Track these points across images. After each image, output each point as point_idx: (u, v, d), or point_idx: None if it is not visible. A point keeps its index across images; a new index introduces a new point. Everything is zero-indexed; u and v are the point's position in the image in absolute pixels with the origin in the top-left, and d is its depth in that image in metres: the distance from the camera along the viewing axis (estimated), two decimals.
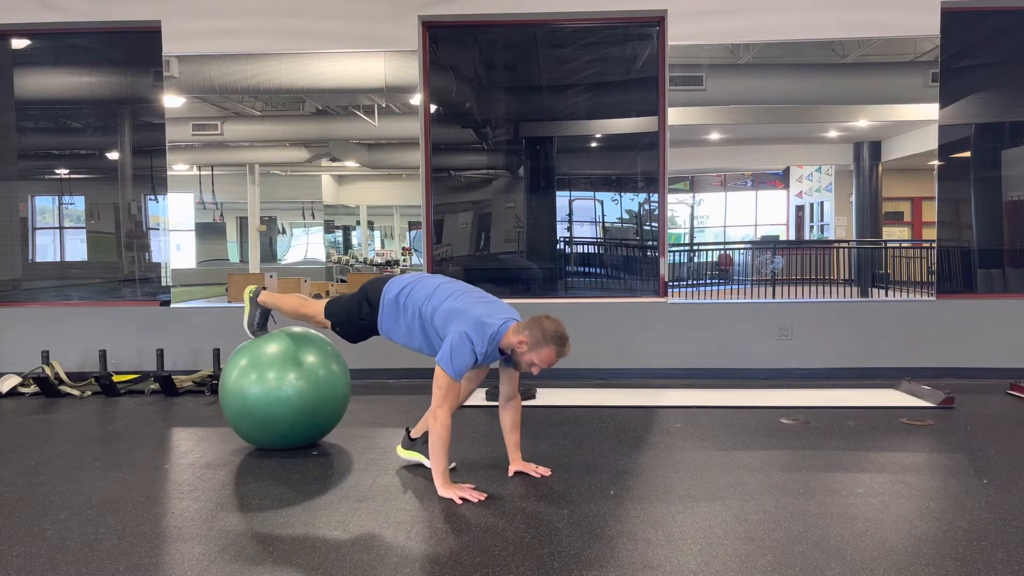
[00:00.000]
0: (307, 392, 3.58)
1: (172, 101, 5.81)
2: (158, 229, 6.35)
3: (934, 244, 5.63)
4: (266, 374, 3.56)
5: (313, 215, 6.15)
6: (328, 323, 3.47)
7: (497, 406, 3.46)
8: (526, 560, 2.39)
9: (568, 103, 6.27)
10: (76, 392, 5.13)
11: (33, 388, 5.19)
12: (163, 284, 6.23)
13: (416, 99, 5.75)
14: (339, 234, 6.27)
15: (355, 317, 3.37)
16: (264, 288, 3.83)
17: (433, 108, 5.90)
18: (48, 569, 2.36)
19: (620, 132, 6.31)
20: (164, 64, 5.73)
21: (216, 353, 5.22)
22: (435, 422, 2.98)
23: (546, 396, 4.90)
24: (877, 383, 5.30)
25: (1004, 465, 3.38)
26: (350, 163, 6.22)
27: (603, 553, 2.45)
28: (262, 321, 3.76)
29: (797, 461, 3.49)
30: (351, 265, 6.12)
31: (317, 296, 3.97)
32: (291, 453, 3.66)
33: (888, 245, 5.88)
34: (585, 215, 6.42)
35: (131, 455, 3.69)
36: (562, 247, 6.39)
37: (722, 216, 6.43)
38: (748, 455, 3.59)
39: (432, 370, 3.02)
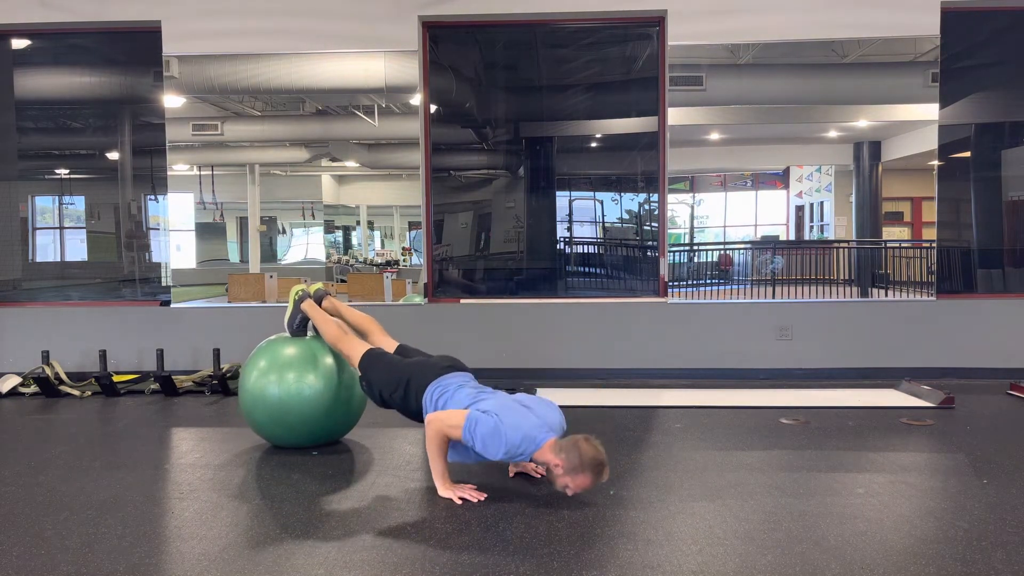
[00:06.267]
0: (325, 392, 3.62)
1: (172, 101, 5.81)
2: (158, 229, 6.35)
3: (934, 244, 5.63)
4: (286, 374, 3.60)
5: (313, 215, 6.15)
6: (358, 372, 3.44)
7: None
8: (526, 560, 2.39)
9: (568, 103, 6.27)
10: (76, 392, 5.12)
11: (33, 388, 5.19)
12: (163, 284, 6.23)
13: (416, 99, 5.75)
14: (339, 234, 6.27)
15: (386, 392, 3.30)
16: (309, 295, 3.77)
17: (433, 108, 5.90)
18: (48, 569, 2.36)
19: (620, 132, 6.31)
20: (164, 64, 5.73)
21: (216, 353, 5.22)
22: (429, 426, 2.98)
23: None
24: (877, 383, 5.30)
25: (1004, 465, 3.38)
26: (350, 163, 6.22)
27: (603, 553, 2.45)
28: (301, 324, 3.79)
29: (797, 461, 3.49)
30: (351, 265, 6.12)
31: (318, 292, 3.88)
32: (291, 453, 3.66)
33: (888, 245, 5.88)
34: (585, 215, 6.42)
35: (131, 455, 3.69)
36: (562, 247, 6.39)
37: (722, 216, 6.43)
38: (748, 455, 3.59)
39: None
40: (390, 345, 3.59)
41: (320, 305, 3.78)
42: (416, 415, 3.26)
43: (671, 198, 5.95)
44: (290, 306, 3.80)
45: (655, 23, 5.76)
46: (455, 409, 3.00)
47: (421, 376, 3.24)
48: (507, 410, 2.95)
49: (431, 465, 3.03)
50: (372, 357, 3.42)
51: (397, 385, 3.26)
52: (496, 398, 3.07)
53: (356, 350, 3.46)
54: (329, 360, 3.69)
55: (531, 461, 2.97)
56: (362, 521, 2.76)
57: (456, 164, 6.37)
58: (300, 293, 3.79)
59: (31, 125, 6.42)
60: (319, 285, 3.86)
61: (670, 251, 5.89)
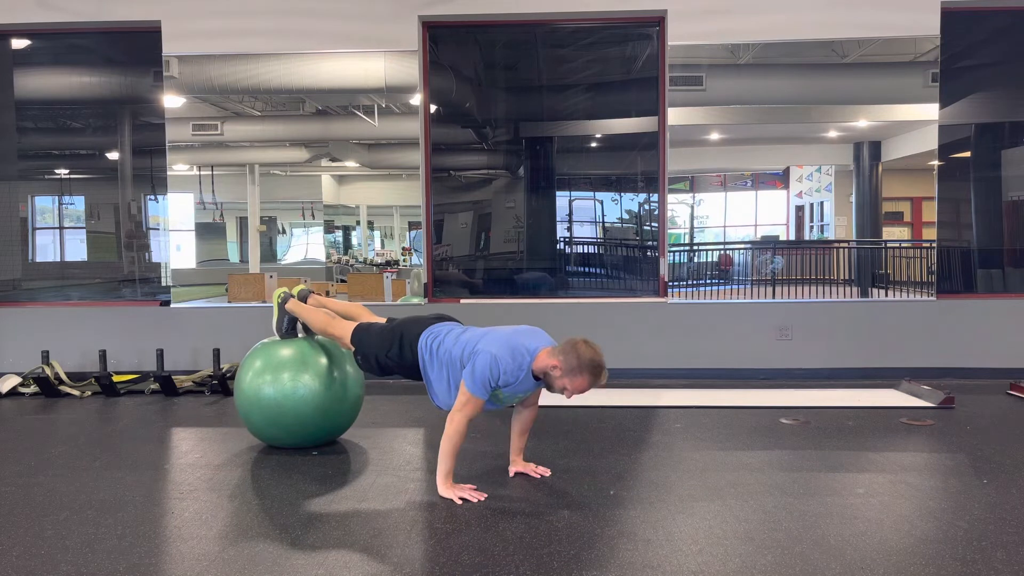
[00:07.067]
0: (321, 392, 3.61)
1: (172, 101, 5.81)
2: (158, 229, 6.35)
3: (934, 244, 5.63)
4: (281, 375, 3.59)
5: (313, 215, 6.15)
6: (353, 348, 3.44)
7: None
8: (526, 560, 2.39)
9: (568, 103, 6.27)
10: (76, 392, 5.12)
11: (33, 388, 5.19)
12: (163, 284, 6.23)
13: (416, 99, 5.75)
14: (339, 234, 6.27)
15: (381, 354, 3.30)
16: (293, 296, 3.76)
17: (433, 108, 5.90)
18: (48, 569, 2.36)
19: (620, 132, 6.31)
20: (164, 64, 5.73)
21: (216, 353, 5.22)
22: (450, 423, 2.98)
23: (546, 396, 4.88)
24: (877, 383, 5.30)
25: (1004, 465, 3.38)
26: (350, 163, 6.22)
27: (603, 553, 2.45)
28: (290, 326, 3.78)
29: (797, 461, 3.49)
30: (351, 265, 6.12)
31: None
32: (291, 453, 3.66)
33: (888, 245, 5.88)
34: (585, 215, 6.42)
35: (131, 455, 3.69)
36: (562, 247, 6.39)
37: (722, 216, 6.43)
38: (748, 455, 3.59)
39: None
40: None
41: (305, 303, 3.77)
42: (413, 369, 3.26)
43: (671, 198, 5.95)
44: (275, 310, 3.78)
45: (655, 23, 5.76)
46: (459, 392, 3.01)
47: (412, 328, 3.28)
48: (489, 335, 3.02)
49: (440, 463, 3.02)
50: (362, 329, 3.44)
51: (391, 343, 3.28)
52: (479, 332, 3.12)
53: (346, 329, 3.47)
54: (323, 360, 3.68)
55: (533, 377, 2.96)
56: (362, 521, 2.76)
57: (456, 164, 6.37)
58: (282, 296, 3.78)
59: (31, 125, 6.42)
60: (302, 285, 3.86)
61: (670, 251, 5.89)
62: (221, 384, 5.14)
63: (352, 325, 3.49)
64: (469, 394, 2.94)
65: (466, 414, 2.96)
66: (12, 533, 2.67)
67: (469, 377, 2.93)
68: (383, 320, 3.57)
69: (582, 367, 2.85)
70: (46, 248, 6.58)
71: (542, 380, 3.00)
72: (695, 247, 6.29)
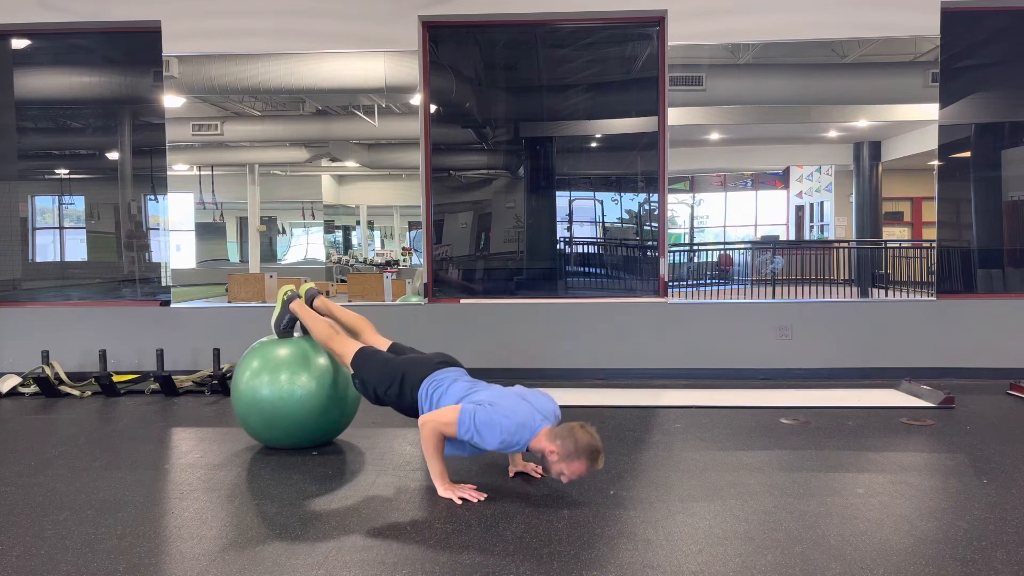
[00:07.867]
0: (317, 393, 3.60)
1: (172, 101, 5.81)
2: (158, 229, 6.35)
3: (934, 244, 5.63)
4: (278, 375, 3.58)
5: (313, 215, 6.15)
6: (352, 371, 3.41)
7: None
8: (526, 560, 2.39)
9: (568, 103, 6.27)
10: (76, 392, 5.12)
11: (33, 388, 5.19)
12: (163, 284, 6.23)
13: (416, 99, 5.75)
14: (339, 234, 6.27)
15: (380, 389, 3.29)
16: (299, 296, 3.74)
17: (433, 108, 5.90)
18: (48, 569, 2.36)
19: (620, 132, 6.31)
20: (164, 64, 5.73)
21: (216, 353, 5.22)
22: (423, 428, 2.97)
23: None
24: (877, 383, 5.30)
25: (1004, 465, 3.38)
26: (350, 163, 6.22)
27: (603, 553, 2.45)
28: (288, 325, 3.76)
29: (797, 461, 3.49)
30: (351, 265, 6.12)
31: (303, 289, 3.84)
32: (291, 453, 3.66)
33: (888, 245, 5.88)
34: (585, 215, 6.42)
35: (131, 455, 3.69)
36: (562, 247, 6.39)
37: (722, 216, 6.43)
38: (748, 455, 3.59)
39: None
40: (382, 344, 3.57)
41: (311, 305, 3.75)
42: (411, 410, 3.26)
43: (671, 198, 5.95)
44: (278, 307, 3.77)
45: (655, 23, 5.76)
46: (447, 406, 3.01)
47: (415, 372, 3.24)
48: (501, 399, 2.98)
49: (429, 466, 3.03)
50: (364, 355, 3.40)
51: (391, 382, 3.26)
52: (490, 389, 3.10)
53: (348, 349, 3.44)
54: (322, 360, 3.67)
55: (527, 450, 2.96)
56: (362, 521, 2.76)
57: (456, 164, 6.37)
58: (288, 293, 3.75)
59: (31, 125, 6.42)
60: (310, 285, 3.83)
61: (670, 251, 5.89)
62: (221, 384, 5.14)
63: (355, 346, 3.45)
64: (455, 423, 2.89)
65: (439, 430, 2.94)
66: (12, 533, 2.67)
67: (468, 417, 2.88)
68: (387, 343, 3.56)
69: (579, 453, 2.83)
70: (46, 248, 6.58)
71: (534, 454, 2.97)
72: (695, 247, 6.29)
